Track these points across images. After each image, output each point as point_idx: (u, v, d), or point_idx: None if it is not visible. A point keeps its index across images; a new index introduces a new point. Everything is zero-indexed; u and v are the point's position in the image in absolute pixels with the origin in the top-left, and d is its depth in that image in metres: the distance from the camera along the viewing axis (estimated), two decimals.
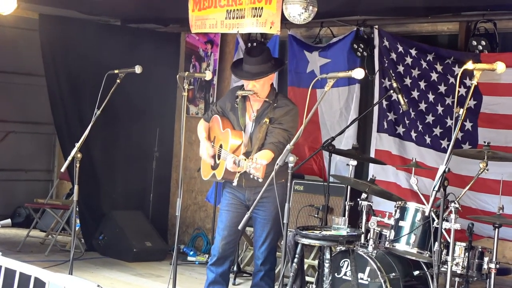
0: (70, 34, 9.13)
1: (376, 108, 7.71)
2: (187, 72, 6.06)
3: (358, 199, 6.38)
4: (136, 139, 9.79)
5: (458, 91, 4.92)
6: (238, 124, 5.94)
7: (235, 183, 5.72)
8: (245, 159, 5.41)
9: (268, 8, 6.24)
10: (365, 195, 6.37)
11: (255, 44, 8.69)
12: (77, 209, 6.58)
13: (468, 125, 7.12)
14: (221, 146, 5.94)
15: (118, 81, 6.43)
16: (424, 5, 7.13)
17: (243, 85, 5.99)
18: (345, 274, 6.16)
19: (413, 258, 6.04)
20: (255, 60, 5.82)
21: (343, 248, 6.01)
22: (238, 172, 5.61)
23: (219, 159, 5.93)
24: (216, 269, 6.02)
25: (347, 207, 6.58)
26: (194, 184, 9.87)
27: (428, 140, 7.43)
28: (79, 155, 6.14)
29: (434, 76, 7.38)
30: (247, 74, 5.85)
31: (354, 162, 6.63)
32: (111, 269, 8.49)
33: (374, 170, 7.54)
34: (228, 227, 5.98)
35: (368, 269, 6.06)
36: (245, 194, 5.93)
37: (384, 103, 7.66)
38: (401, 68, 7.58)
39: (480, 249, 5.81)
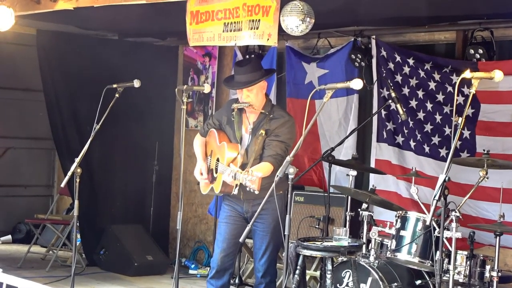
0: (68, 49, 9.15)
1: (375, 118, 7.72)
2: (185, 85, 6.08)
3: (359, 209, 6.38)
4: (135, 152, 9.79)
5: (456, 100, 4.92)
6: (234, 137, 5.96)
7: (235, 192, 5.74)
8: (241, 172, 5.43)
9: (265, 20, 6.25)
10: (366, 205, 6.38)
11: (247, 56, 8.75)
12: (78, 224, 6.57)
13: (466, 133, 7.12)
14: (218, 160, 5.95)
15: (117, 95, 6.44)
16: (421, 14, 7.14)
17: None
18: (347, 285, 6.15)
19: (415, 267, 6.04)
20: (244, 69, 5.88)
21: (345, 259, 6.01)
22: (236, 185, 5.64)
23: (216, 173, 5.94)
24: (216, 282, 6.01)
25: (348, 218, 6.57)
26: (194, 197, 9.86)
27: (427, 149, 7.43)
28: (79, 170, 6.15)
29: (432, 85, 7.39)
30: (239, 84, 5.90)
31: (354, 172, 6.63)
32: (112, 284, 8.47)
33: (374, 180, 7.54)
34: (227, 240, 5.98)
35: (370, 279, 6.05)
36: (243, 206, 5.94)
37: (383, 112, 7.67)
38: (399, 78, 7.59)
39: (481, 257, 5.81)
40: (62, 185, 6.33)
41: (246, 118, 5.99)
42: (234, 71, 6.01)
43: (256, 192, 5.33)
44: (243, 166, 5.74)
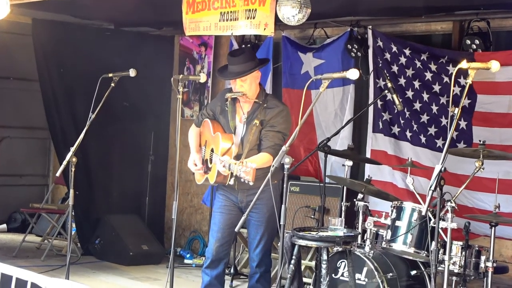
0: (63, 38, 9.13)
1: (371, 108, 7.71)
2: (181, 75, 6.07)
3: (355, 200, 6.38)
4: (131, 142, 9.78)
5: (453, 90, 4.91)
6: (228, 127, 5.96)
7: (231, 182, 5.73)
8: (235, 163, 5.42)
9: (261, 10, 6.24)
10: (361, 196, 6.37)
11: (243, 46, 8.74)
12: (73, 213, 6.56)
13: (463, 124, 7.12)
14: (212, 150, 5.94)
15: (112, 84, 6.43)
16: (418, 5, 7.13)
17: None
18: (342, 275, 6.15)
19: (410, 257, 6.03)
20: (238, 59, 5.87)
21: (340, 249, 6.00)
22: (231, 174, 5.63)
23: (211, 163, 5.93)
24: (211, 272, 6.02)
25: (343, 208, 6.57)
26: (190, 187, 9.86)
27: (423, 139, 7.43)
28: (74, 159, 6.14)
29: (428, 75, 7.39)
30: (232, 74, 5.89)
31: (350, 163, 6.63)
32: (107, 273, 8.48)
33: (370, 171, 7.54)
34: (221, 229, 5.98)
35: (365, 269, 6.05)
36: (238, 196, 5.95)
37: (379, 103, 7.66)
38: (395, 68, 7.58)
39: (477, 248, 5.81)
40: (58, 174, 6.32)
41: (240, 107, 5.98)
42: (228, 61, 5.99)
43: (251, 183, 5.33)
44: (238, 157, 5.74)
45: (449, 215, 5.27)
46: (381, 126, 7.72)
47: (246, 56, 5.89)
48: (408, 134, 7.52)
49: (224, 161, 5.57)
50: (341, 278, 6.16)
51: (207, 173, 6.00)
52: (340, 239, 5.60)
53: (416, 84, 7.46)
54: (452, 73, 5.41)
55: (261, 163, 5.57)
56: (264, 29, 6.26)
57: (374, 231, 6.21)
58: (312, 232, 5.73)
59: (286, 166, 4.80)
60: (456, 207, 5.35)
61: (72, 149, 6.15)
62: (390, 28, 7.96)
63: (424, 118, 7.43)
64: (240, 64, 5.84)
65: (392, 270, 6.05)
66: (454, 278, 5.86)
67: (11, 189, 11.37)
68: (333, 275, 6.14)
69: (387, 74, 7.16)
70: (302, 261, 7.12)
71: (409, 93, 7.49)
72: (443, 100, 7.30)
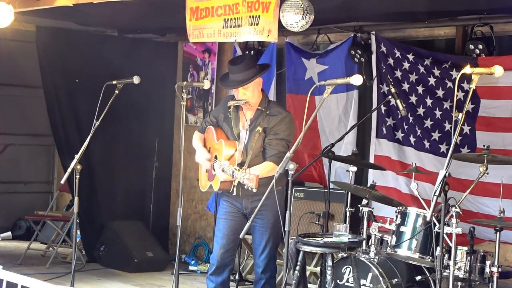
0: (67, 45, 9.15)
1: (374, 114, 7.71)
2: (185, 82, 6.08)
3: (359, 205, 6.38)
4: (135, 149, 9.79)
5: (456, 95, 4.91)
6: (232, 134, 5.96)
7: (234, 193, 5.74)
8: (238, 170, 5.42)
9: (265, 16, 6.25)
10: (366, 201, 6.37)
11: (247, 52, 8.75)
12: (78, 220, 6.56)
13: (466, 128, 7.12)
14: (216, 157, 5.95)
15: (116, 91, 6.44)
16: (421, 10, 7.14)
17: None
18: (347, 281, 6.16)
19: (415, 263, 6.04)
20: (239, 67, 5.87)
21: (345, 255, 6.01)
22: (233, 182, 5.64)
23: (214, 170, 5.93)
24: (215, 278, 6.01)
25: (348, 214, 6.57)
26: (194, 193, 9.86)
27: (427, 144, 7.43)
28: (78, 166, 6.14)
29: (431, 80, 7.39)
30: (234, 83, 5.89)
31: (354, 168, 6.63)
32: (112, 280, 8.48)
33: (374, 176, 7.54)
34: (226, 236, 5.98)
35: (370, 275, 6.06)
36: (242, 202, 5.94)
37: (383, 108, 7.66)
38: (398, 73, 7.58)
39: (482, 253, 5.81)
40: (62, 181, 6.33)
41: (243, 115, 5.99)
42: (229, 70, 5.99)
43: (254, 190, 5.34)
44: (242, 164, 5.74)
45: (453, 220, 5.26)
46: (384, 132, 7.72)
47: (247, 64, 5.89)
48: (412, 139, 7.52)
49: (223, 165, 5.58)
50: (346, 284, 6.16)
51: (211, 180, 5.99)
52: (345, 245, 5.60)
53: (420, 89, 7.46)
54: (455, 78, 5.41)
55: (265, 171, 5.58)
56: (268, 35, 6.27)
57: (379, 237, 6.21)
58: (316, 238, 5.73)
59: (290, 172, 4.81)
60: (461, 212, 5.35)
61: (77, 156, 6.15)
62: (393, 33, 7.96)
63: (428, 123, 7.43)
64: (241, 72, 5.84)
65: (397, 276, 6.06)
66: (459, 283, 5.86)
67: (15, 196, 11.37)
68: (338, 281, 6.14)
69: (391, 80, 7.18)
70: (307, 267, 7.12)
71: (413, 98, 7.49)
72: (446, 105, 7.30)
